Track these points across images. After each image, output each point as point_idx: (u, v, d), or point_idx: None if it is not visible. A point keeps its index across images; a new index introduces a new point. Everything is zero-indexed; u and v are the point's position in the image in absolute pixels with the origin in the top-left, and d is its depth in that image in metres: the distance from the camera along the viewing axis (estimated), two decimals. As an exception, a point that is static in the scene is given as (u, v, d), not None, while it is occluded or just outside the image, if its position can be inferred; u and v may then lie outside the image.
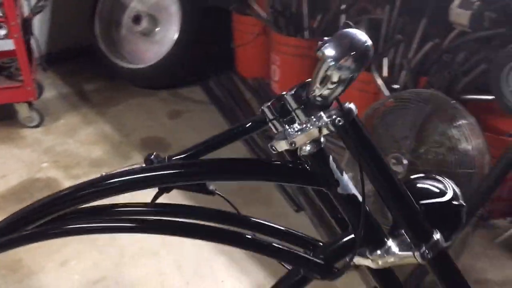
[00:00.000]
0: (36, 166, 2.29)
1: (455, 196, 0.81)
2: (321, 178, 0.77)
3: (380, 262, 0.80)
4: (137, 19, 2.90)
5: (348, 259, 0.79)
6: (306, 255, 0.82)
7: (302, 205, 2.11)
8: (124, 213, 0.89)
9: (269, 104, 0.77)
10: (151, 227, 0.86)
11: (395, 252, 0.79)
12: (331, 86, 0.69)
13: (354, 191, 0.78)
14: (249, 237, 0.83)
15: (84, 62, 3.19)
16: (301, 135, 0.72)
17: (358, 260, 0.81)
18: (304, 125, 0.73)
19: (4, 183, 2.18)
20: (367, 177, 0.76)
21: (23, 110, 2.52)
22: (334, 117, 0.70)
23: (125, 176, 0.77)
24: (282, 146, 0.76)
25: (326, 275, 0.81)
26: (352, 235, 0.80)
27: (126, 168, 0.81)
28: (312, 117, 0.72)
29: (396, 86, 2.23)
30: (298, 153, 0.77)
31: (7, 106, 2.71)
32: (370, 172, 0.75)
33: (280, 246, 0.83)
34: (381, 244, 0.80)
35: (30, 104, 2.52)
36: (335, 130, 0.71)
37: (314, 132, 0.71)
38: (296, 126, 0.74)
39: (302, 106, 0.73)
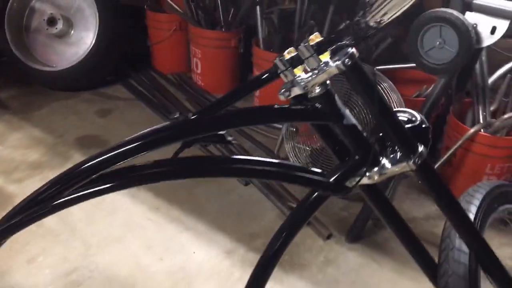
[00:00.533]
0: (-32, 175, 2.19)
1: (422, 120, 1.04)
2: (329, 114, 0.94)
3: (376, 177, 1.00)
4: (51, 21, 2.84)
5: (358, 176, 0.97)
6: (321, 178, 0.98)
7: (249, 180, 2.27)
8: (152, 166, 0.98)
9: (280, 57, 0.92)
10: (181, 172, 0.95)
11: (388, 167, 0.99)
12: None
13: (354, 122, 0.97)
14: (274, 168, 0.97)
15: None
16: (315, 79, 0.89)
17: (361, 179, 1.00)
18: (316, 70, 0.89)
19: None
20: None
21: None
22: (343, 59, 0.87)
23: (156, 134, 0.87)
24: (295, 91, 0.92)
25: (337, 192, 0.98)
26: (354, 159, 0.99)
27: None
28: (321, 63, 0.89)
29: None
30: (309, 96, 0.93)
31: None
32: (371, 104, 0.94)
33: (301, 174, 0.98)
34: (376, 163, 1.00)
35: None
36: (345, 69, 0.88)
37: (327, 74, 0.88)
38: (304, 74, 0.91)
39: (314, 54, 0.90)
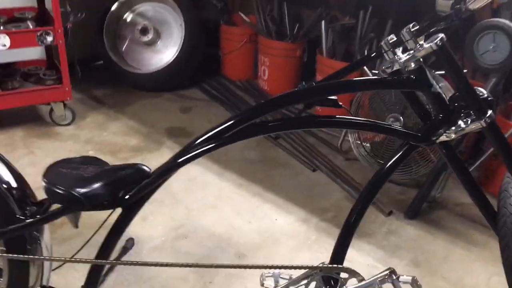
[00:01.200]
0: (83, 153, 2.57)
1: (489, 95, 1.34)
2: (422, 83, 1.26)
3: (453, 135, 1.30)
4: (144, 31, 3.27)
5: (442, 131, 1.27)
6: (413, 133, 1.29)
7: (317, 166, 2.59)
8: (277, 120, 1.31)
9: (385, 40, 1.25)
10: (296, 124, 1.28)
11: (463, 126, 1.29)
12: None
13: (440, 90, 1.28)
14: (372, 121, 1.28)
15: (93, 70, 3.44)
16: (414, 55, 1.21)
17: (442, 136, 1.30)
18: (413, 51, 1.21)
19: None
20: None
21: (59, 109, 2.77)
22: (436, 41, 1.20)
23: (287, 96, 1.22)
24: (396, 66, 1.24)
25: (426, 142, 1.29)
26: (438, 119, 1.30)
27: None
28: (418, 44, 1.22)
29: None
30: (406, 69, 1.25)
31: (29, 108, 2.95)
32: (455, 78, 1.25)
33: (395, 127, 1.29)
34: (454, 124, 1.30)
35: (64, 104, 2.79)
36: (436, 49, 1.20)
37: (423, 52, 1.20)
38: (401, 54, 1.23)
39: (413, 38, 1.22)
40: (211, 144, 1.22)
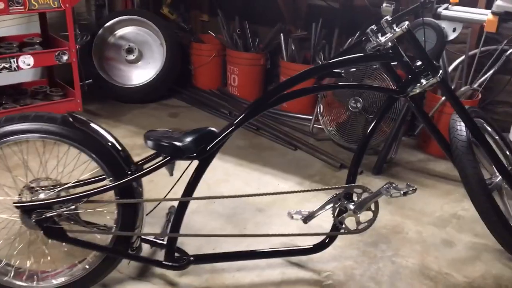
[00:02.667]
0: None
1: (439, 65, 1.98)
2: (397, 56, 1.86)
3: (419, 90, 1.91)
4: (129, 50, 3.69)
5: (412, 87, 1.88)
6: (393, 88, 1.89)
7: (297, 146, 3.15)
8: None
9: (370, 29, 1.84)
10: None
11: (425, 83, 1.90)
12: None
13: (408, 60, 1.89)
14: (365, 84, 1.87)
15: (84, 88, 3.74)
16: (391, 38, 1.81)
17: (413, 91, 1.91)
18: (391, 33, 1.82)
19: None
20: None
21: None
22: (403, 27, 1.80)
23: (307, 72, 1.78)
24: (378, 46, 1.84)
25: (402, 94, 1.89)
26: (408, 79, 1.90)
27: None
28: (393, 29, 1.82)
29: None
30: (386, 47, 1.85)
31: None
32: (418, 51, 1.86)
33: (382, 86, 1.88)
34: (419, 81, 1.91)
35: (73, 115, 3.11)
36: (405, 32, 1.81)
37: (397, 34, 1.81)
38: (382, 38, 1.83)
39: (390, 23, 1.82)
40: (253, 109, 1.75)
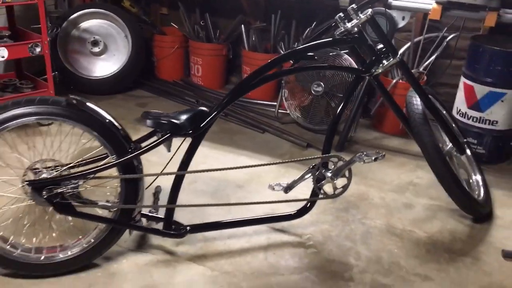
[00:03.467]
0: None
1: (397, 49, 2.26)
2: (362, 40, 2.11)
3: (381, 70, 2.17)
4: (95, 43, 3.74)
5: (376, 67, 2.14)
6: (359, 68, 2.14)
7: (265, 129, 3.37)
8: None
9: (338, 16, 2.08)
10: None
11: (386, 63, 2.17)
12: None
13: (372, 43, 2.15)
14: (332, 65, 2.10)
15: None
16: (356, 24, 2.06)
17: (376, 70, 2.17)
18: (357, 19, 2.06)
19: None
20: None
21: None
22: (367, 14, 2.05)
23: (283, 56, 2.00)
24: (346, 31, 2.08)
25: (367, 73, 2.15)
26: (371, 60, 2.16)
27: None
28: (358, 16, 2.07)
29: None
30: (352, 32, 2.09)
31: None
32: (380, 35, 2.12)
33: (350, 66, 2.13)
34: (381, 62, 2.17)
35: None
36: (369, 18, 2.06)
37: (361, 21, 2.06)
38: (349, 24, 2.08)
39: (355, 13, 2.07)
40: (237, 90, 1.95)
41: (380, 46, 2.17)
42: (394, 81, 3.30)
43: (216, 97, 3.88)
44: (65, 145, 2.00)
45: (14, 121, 1.70)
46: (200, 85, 4.10)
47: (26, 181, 1.72)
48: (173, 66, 4.22)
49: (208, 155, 3.00)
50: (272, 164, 2.09)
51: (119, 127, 1.87)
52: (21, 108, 1.71)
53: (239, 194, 2.59)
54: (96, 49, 3.77)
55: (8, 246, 1.81)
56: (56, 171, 1.82)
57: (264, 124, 3.43)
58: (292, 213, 2.23)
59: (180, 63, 4.22)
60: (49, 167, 1.83)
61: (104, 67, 3.83)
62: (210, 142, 3.15)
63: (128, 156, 1.82)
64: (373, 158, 2.09)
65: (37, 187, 1.72)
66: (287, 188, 2.26)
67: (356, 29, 2.07)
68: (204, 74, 4.07)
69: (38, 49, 2.92)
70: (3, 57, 2.78)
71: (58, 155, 1.97)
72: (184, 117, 1.87)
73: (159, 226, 2.05)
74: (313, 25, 3.62)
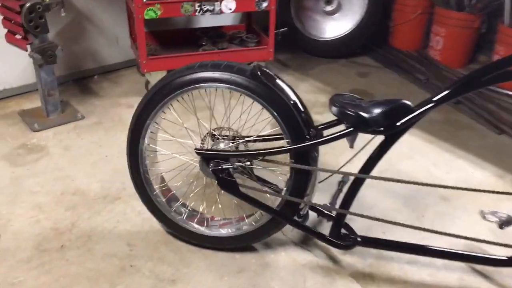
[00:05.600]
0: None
1: None
2: None
3: None
4: (328, 1, 3.52)
5: None
6: None
7: (504, 130, 2.67)
8: None
9: None
10: None
11: None
12: None
13: None
14: None
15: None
16: None
17: None
18: None
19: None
20: None
21: (261, 68, 3.12)
22: None
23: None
24: None
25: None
26: None
27: None
28: None
29: None
30: None
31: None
32: None
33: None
34: None
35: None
36: None
37: None
38: None
39: None
40: (462, 85, 1.43)
41: None
42: None
43: (452, 78, 3.25)
44: (244, 115, 1.87)
45: (197, 85, 1.62)
46: (436, 60, 3.50)
47: (196, 149, 1.65)
48: (410, 34, 3.69)
49: (416, 147, 2.52)
50: (479, 191, 1.54)
51: (302, 109, 1.62)
52: (206, 72, 1.61)
53: (440, 207, 2.09)
54: (329, 8, 3.54)
55: (175, 210, 1.81)
56: (232, 143, 1.71)
57: (504, 123, 2.71)
58: (505, 258, 1.66)
59: (419, 32, 3.66)
60: (227, 136, 1.74)
61: (333, 28, 3.59)
62: (425, 132, 2.65)
63: (302, 145, 1.57)
64: None
65: (205, 157, 1.65)
66: (506, 223, 1.69)
67: None
68: (445, 48, 3.44)
69: (264, 4, 2.85)
70: (230, 9, 2.80)
71: (237, 124, 1.85)
72: (377, 110, 1.50)
73: (328, 225, 1.78)
74: None
